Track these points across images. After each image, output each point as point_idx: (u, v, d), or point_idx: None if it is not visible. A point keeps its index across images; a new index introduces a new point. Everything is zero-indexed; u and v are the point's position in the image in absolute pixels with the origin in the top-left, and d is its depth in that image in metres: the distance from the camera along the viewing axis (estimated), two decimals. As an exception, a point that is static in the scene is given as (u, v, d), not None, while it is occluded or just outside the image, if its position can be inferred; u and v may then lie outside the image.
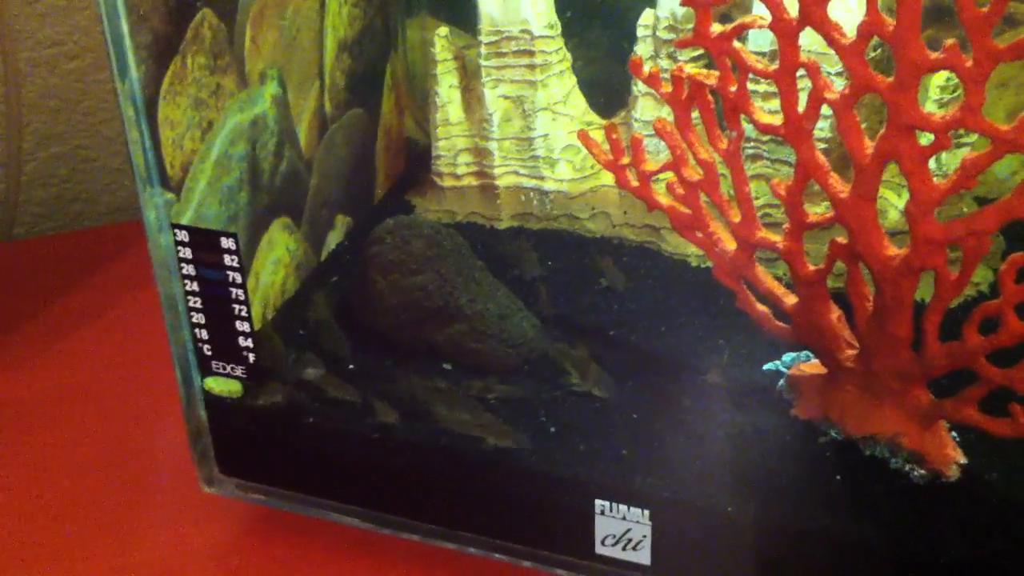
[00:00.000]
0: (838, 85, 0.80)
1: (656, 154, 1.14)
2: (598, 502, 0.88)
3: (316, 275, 1.18)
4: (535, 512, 0.92)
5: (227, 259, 0.89)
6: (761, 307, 0.93)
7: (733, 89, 0.85)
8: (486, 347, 1.01)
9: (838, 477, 0.88)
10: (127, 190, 1.73)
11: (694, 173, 0.91)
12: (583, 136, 0.95)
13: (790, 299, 0.91)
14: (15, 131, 1.55)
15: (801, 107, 0.82)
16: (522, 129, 1.26)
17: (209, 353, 0.95)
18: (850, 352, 0.90)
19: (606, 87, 1.28)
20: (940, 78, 1.08)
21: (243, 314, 0.92)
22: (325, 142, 1.20)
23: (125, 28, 0.83)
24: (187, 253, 0.89)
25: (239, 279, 0.90)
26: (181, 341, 0.95)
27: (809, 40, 0.83)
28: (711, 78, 0.86)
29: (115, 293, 1.46)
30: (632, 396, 0.97)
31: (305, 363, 1.00)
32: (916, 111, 0.76)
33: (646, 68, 0.89)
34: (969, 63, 0.72)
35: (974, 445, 0.90)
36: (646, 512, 0.87)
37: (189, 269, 0.90)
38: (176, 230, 0.89)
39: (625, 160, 0.94)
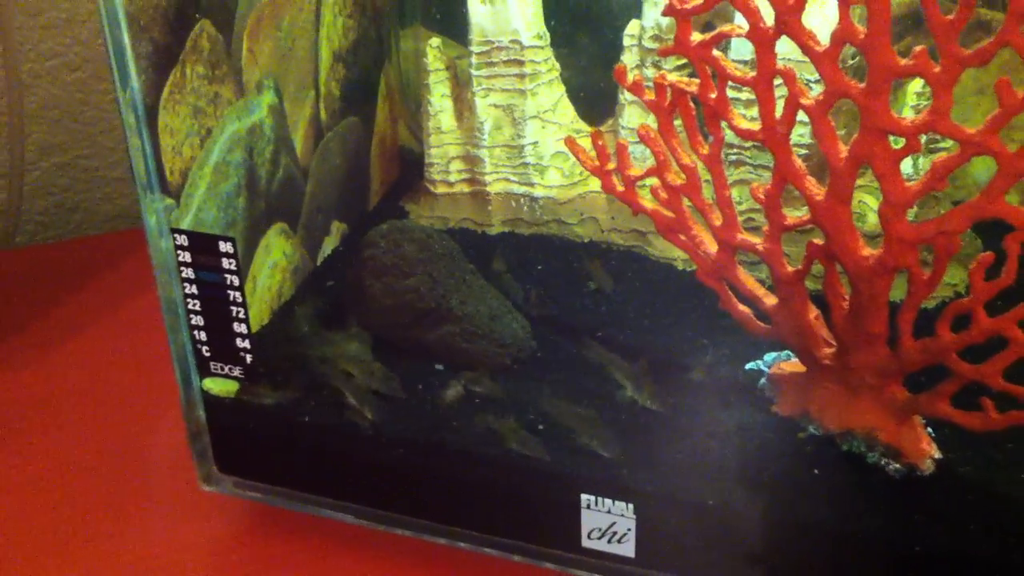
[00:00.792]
0: (815, 92, 0.82)
1: (643, 161, 1.16)
2: (584, 497, 0.90)
3: (312, 279, 1.19)
4: (524, 507, 0.94)
5: (225, 262, 0.90)
6: (743, 308, 0.94)
7: (713, 96, 0.87)
8: (477, 347, 1.02)
9: (816, 471, 0.89)
10: (126, 199, 1.75)
11: (677, 178, 0.93)
12: (570, 142, 0.97)
13: (770, 299, 0.92)
14: (17, 141, 1.57)
15: (779, 113, 0.84)
16: (512, 137, 1.28)
17: (208, 354, 0.97)
18: (828, 350, 0.91)
19: (594, 96, 1.30)
20: (917, 85, 1.10)
21: (241, 316, 0.94)
22: (320, 150, 1.22)
23: (126, 38, 0.85)
24: (186, 257, 0.91)
25: (237, 282, 0.91)
26: (180, 343, 0.97)
27: (788, 48, 0.85)
28: (692, 85, 0.88)
29: (114, 299, 1.48)
30: (618, 395, 0.99)
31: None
32: (888, 115, 0.78)
33: (630, 76, 0.91)
34: (937, 68, 0.74)
35: (949, 440, 0.92)
36: (630, 506, 0.89)
37: (188, 272, 0.92)
38: (176, 234, 0.91)
39: (611, 166, 0.96)
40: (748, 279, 0.93)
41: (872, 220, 1.13)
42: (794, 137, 1.00)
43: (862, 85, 0.78)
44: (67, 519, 1.06)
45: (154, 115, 0.90)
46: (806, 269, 0.88)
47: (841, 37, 0.77)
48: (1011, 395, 0.81)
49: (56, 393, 1.26)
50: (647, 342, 1.06)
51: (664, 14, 0.84)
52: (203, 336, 0.95)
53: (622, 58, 1.21)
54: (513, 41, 1.22)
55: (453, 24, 1.30)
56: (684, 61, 1.17)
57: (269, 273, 1.10)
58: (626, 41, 1.21)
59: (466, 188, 1.32)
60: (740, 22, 0.82)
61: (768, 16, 0.80)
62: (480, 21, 1.22)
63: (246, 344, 0.94)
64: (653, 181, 0.93)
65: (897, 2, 1.02)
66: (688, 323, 1.09)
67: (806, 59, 0.80)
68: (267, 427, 1.00)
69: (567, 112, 1.29)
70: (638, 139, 0.92)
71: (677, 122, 0.90)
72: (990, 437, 0.85)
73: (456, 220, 1.32)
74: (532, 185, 1.29)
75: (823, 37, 0.79)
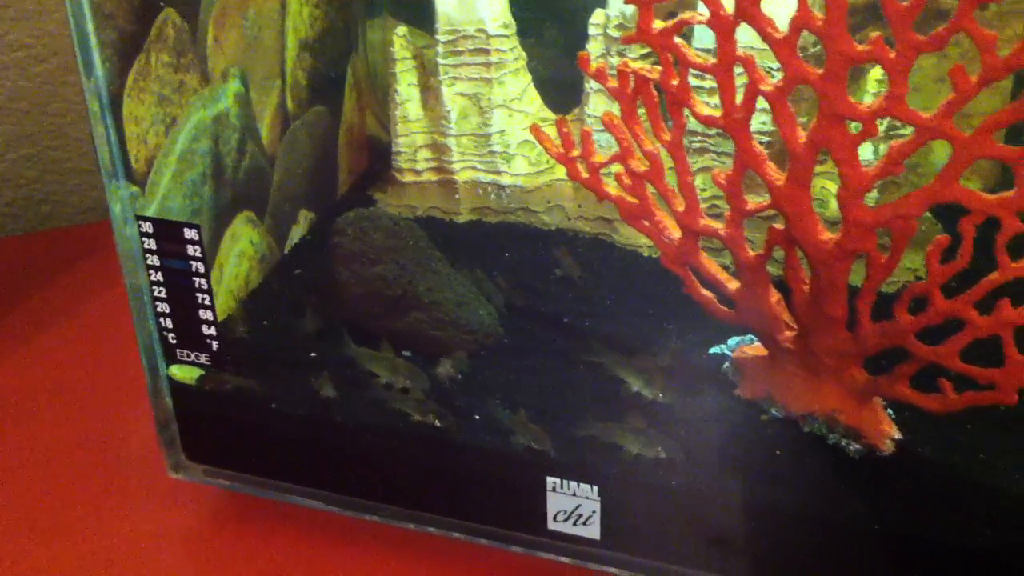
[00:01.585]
0: (776, 79, 0.82)
1: (609, 148, 1.15)
2: (549, 479, 0.90)
3: (280, 267, 1.20)
4: (491, 491, 0.94)
5: (190, 250, 0.90)
6: (706, 292, 0.95)
7: (675, 83, 0.87)
8: (444, 334, 1.03)
9: (778, 452, 0.90)
10: (96, 191, 1.74)
11: (640, 164, 0.94)
12: (535, 130, 0.97)
13: (733, 284, 0.93)
14: (-16, 133, 1.55)
15: (739, 99, 0.85)
16: (479, 125, 1.28)
17: (174, 342, 0.97)
18: (789, 333, 0.92)
19: (561, 84, 1.30)
20: (878, 72, 1.11)
21: (206, 303, 0.94)
22: (287, 139, 1.22)
23: (90, 25, 0.85)
24: (152, 244, 0.91)
25: (202, 269, 0.91)
26: (147, 330, 0.96)
27: (751, 37, 0.85)
28: (654, 73, 0.88)
29: (84, 291, 1.48)
30: (584, 379, 0.99)
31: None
32: (845, 101, 0.79)
33: (594, 64, 0.91)
34: (893, 54, 0.75)
35: (911, 422, 0.93)
36: (595, 488, 0.89)
37: (154, 260, 0.92)
38: (140, 222, 0.91)
39: (575, 153, 0.96)
40: (711, 264, 0.94)
41: (834, 206, 1.13)
42: (758, 125, 1.02)
43: (820, 71, 0.78)
44: (37, 510, 1.05)
45: (118, 103, 0.90)
46: (767, 254, 0.89)
47: (799, 24, 0.77)
48: (968, 376, 0.82)
49: (26, 385, 1.26)
50: (614, 328, 1.07)
51: (627, 1, 0.84)
52: (169, 323, 0.95)
53: (588, 47, 1.21)
54: (479, 30, 1.23)
55: (420, 13, 1.30)
56: (649, 50, 1.16)
57: (236, 261, 1.10)
58: (591, 30, 1.21)
59: (433, 176, 1.32)
60: (703, 10, 0.82)
61: (729, 4, 0.80)
62: (446, 10, 1.23)
63: (212, 331, 0.94)
64: (618, 168, 0.94)
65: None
66: (654, 309, 1.10)
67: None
68: (234, 414, 1.00)
69: (534, 101, 1.29)
70: (603, 127, 0.92)
71: (642, 110, 0.89)
72: (951, 418, 0.87)
73: (424, 208, 1.32)
74: (499, 173, 1.29)
75: (782, 24, 0.79)
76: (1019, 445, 0.90)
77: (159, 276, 0.92)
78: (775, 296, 0.92)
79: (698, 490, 0.87)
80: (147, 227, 0.90)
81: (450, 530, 0.96)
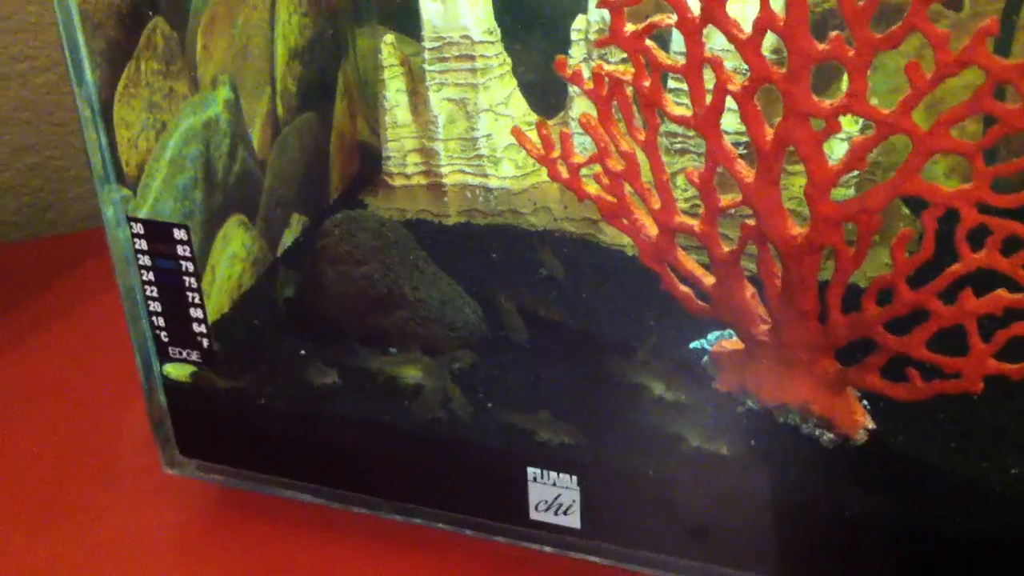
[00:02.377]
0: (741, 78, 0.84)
1: (593, 151, 1.17)
2: (530, 470, 0.91)
3: (272, 270, 1.20)
4: (475, 483, 0.95)
5: (180, 249, 0.92)
6: (684, 288, 0.96)
7: (647, 84, 0.89)
8: (429, 331, 1.03)
9: (753, 443, 0.91)
10: (97, 198, 1.75)
11: (617, 164, 0.95)
12: (516, 133, 0.99)
13: (708, 280, 0.94)
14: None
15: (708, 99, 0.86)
16: (466, 130, 1.30)
17: (166, 340, 0.98)
18: (763, 327, 0.93)
19: (546, 89, 1.31)
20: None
21: (197, 302, 0.95)
22: (278, 144, 1.23)
23: (80, 35, 0.87)
24: (143, 245, 0.93)
25: (192, 269, 0.93)
26: (140, 330, 0.98)
27: (724, 41, 0.87)
28: (627, 75, 0.90)
29: (84, 294, 1.49)
30: (568, 374, 1.00)
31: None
32: (808, 99, 0.81)
33: (570, 68, 0.93)
34: (852, 53, 0.77)
35: (884, 412, 0.94)
36: (575, 478, 0.90)
37: (145, 260, 0.93)
38: (132, 223, 0.92)
39: (555, 154, 0.98)
40: (687, 260, 0.95)
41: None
42: (736, 126, 1.04)
43: (783, 71, 0.80)
44: (33, 508, 1.06)
45: (109, 109, 0.91)
46: (740, 249, 0.89)
47: (762, 25, 0.79)
48: (935, 365, 0.83)
49: (25, 385, 1.27)
50: (598, 325, 1.08)
51: (598, 6, 0.86)
52: (161, 322, 0.96)
53: (570, 51, 1.22)
54: (464, 36, 1.24)
55: (407, 21, 1.31)
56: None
57: (228, 263, 1.11)
58: (574, 35, 1.23)
59: (423, 180, 1.32)
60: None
61: (696, 7, 0.81)
62: (431, 18, 1.24)
63: (203, 330, 0.96)
64: (598, 168, 0.95)
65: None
66: (637, 305, 1.10)
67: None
68: (226, 411, 1.01)
69: (519, 105, 1.31)
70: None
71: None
72: (923, 408, 0.88)
73: (414, 211, 1.33)
74: (487, 176, 1.30)
75: (747, 26, 0.81)
76: (988, 433, 0.92)
77: (150, 276, 0.94)
78: (749, 291, 0.93)
79: (676, 480, 0.89)
80: (138, 228, 0.92)
81: (436, 521, 0.97)
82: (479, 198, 1.31)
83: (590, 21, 1.21)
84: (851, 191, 1.13)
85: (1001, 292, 0.79)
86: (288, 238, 1.27)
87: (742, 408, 0.96)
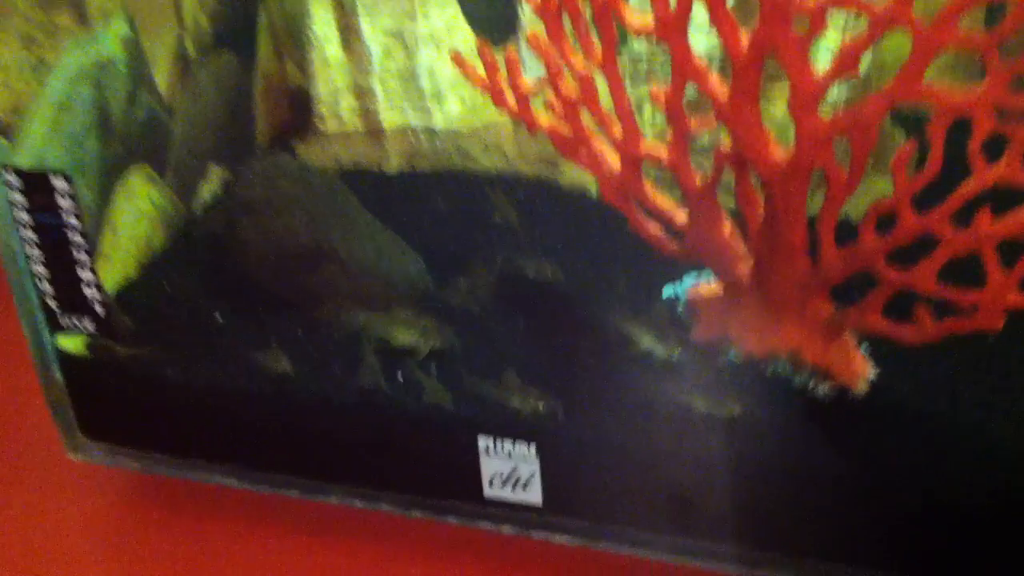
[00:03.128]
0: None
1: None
2: (482, 439, 0.86)
3: (188, 228, 1.14)
4: (420, 457, 0.91)
5: (62, 202, 0.85)
6: (653, 228, 0.90)
7: (600, -10, 0.80)
8: (361, 286, 0.98)
9: (739, 400, 0.87)
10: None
11: (572, 89, 0.87)
12: (456, 58, 0.92)
13: (681, 216, 0.88)
14: None
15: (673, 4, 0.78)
16: (405, 64, 1.22)
17: (56, 308, 0.91)
18: (745, 266, 0.88)
19: (493, 12, 1.21)
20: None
21: (88, 262, 0.89)
22: (190, 88, 1.16)
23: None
24: (18, 198, 0.85)
25: (79, 224, 0.86)
26: (26, 297, 0.92)
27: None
28: (576, -20, 0.81)
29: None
30: (525, 328, 0.96)
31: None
32: (788, -6, 0.72)
33: (513, -23, 0.85)
34: (837, -67, 0.68)
35: (888, 358, 0.88)
36: (532, 447, 0.85)
37: (24, 216, 0.86)
38: (5, 173, 0.84)
39: (502, 79, 0.91)
40: (656, 195, 0.88)
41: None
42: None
43: (759, -39, 0.72)
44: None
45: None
46: (716, 178, 0.82)
47: (731, -96, 0.70)
48: (947, 300, 0.77)
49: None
50: (558, 274, 1.03)
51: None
52: (48, 287, 0.90)
53: (515, -34, 1.14)
54: (397, -43, 1.15)
55: (334, -56, 1.22)
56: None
57: (133, 221, 1.05)
58: (517, -55, 1.14)
59: (359, 124, 1.26)
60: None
61: None
62: (358, -65, 1.15)
63: (96, 294, 0.89)
64: (551, 96, 0.88)
65: None
66: (604, 252, 1.05)
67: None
68: (133, 386, 0.96)
69: (463, 33, 1.22)
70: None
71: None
72: (933, 352, 0.82)
73: (350, 159, 1.25)
74: (430, 116, 1.23)
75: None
76: (1007, 379, 0.86)
77: (32, 234, 0.86)
78: (728, 226, 0.87)
79: (650, 443, 0.85)
80: (12, 178, 0.83)
81: (378, 503, 0.92)
82: (423, 141, 1.25)
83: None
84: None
85: (1024, 210, 0.71)
86: (206, 193, 1.18)
87: (724, 360, 0.90)
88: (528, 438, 0.85)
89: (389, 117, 1.24)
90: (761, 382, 0.87)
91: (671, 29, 0.79)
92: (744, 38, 0.77)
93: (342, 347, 0.95)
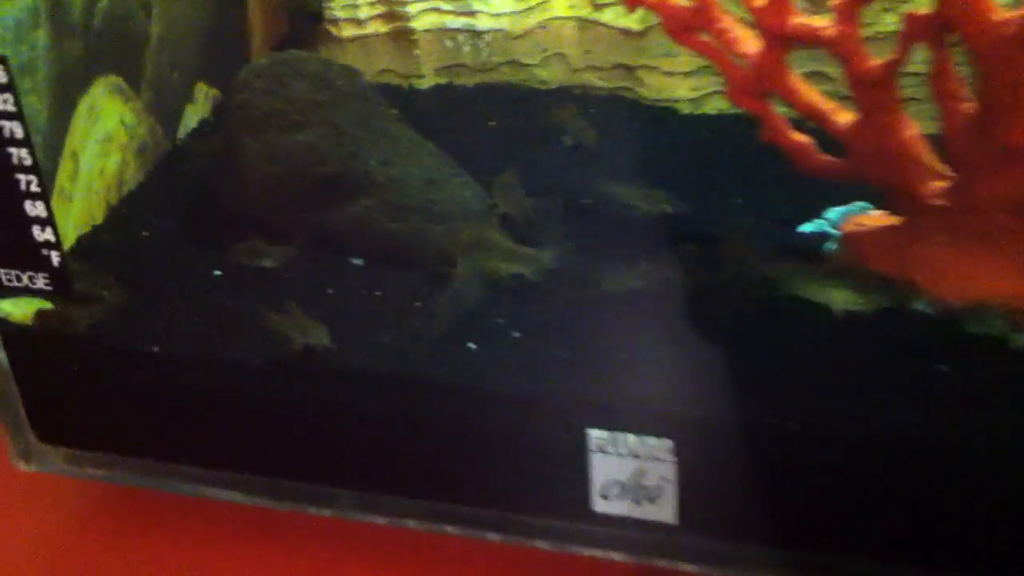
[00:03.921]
0: None
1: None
2: (592, 434, 0.72)
3: (170, 161, 1.06)
4: (497, 459, 0.78)
5: (-3, 98, 0.70)
6: (798, 136, 0.81)
7: None
8: (408, 226, 0.87)
9: (933, 367, 0.73)
10: None
11: (692, -60, 0.80)
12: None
13: (843, 116, 0.79)
14: None
15: None
16: (440, -56, 1.16)
17: (-6, 259, 0.79)
18: (938, 184, 0.77)
19: None
20: None
21: (37, 193, 0.73)
22: None
23: None
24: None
25: (23, 137, 0.70)
26: None
27: None
28: None
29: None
30: (626, 285, 0.84)
31: None
32: None
33: None
34: None
35: None
36: (666, 443, 0.70)
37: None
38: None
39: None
40: (807, 89, 0.80)
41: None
42: None
43: None
44: None
45: None
46: (902, 58, 0.72)
47: None
48: None
49: None
50: (654, 212, 0.93)
51: None
52: None
53: None
54: None
55: None
56: None
57: (99, 149, 0.95)
58: None
59: (382, 27, 1.18)
60: None
61: None
62: None
63: (50, 236, 0.74)
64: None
65: None
66: (706, 181, 0.97)
67: None
68: (102, 369, 0.84)
69: None
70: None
71: None
72: None
73: (372, 73, 1.18)
74: (473, 15, 1.16)
75: None
76: None
77: None
78: (911, 128, 0.77)
79: (823, 435, 0.70)
80: None
81: (440, 524, 0.80)
82: (464, 47, 1.17)
83: None
84: None
85: None
86: (192, 118, 1.10)
87: (908, 314, 0.79)
88: (661, 431, 0.72)
89: (421, 16, 1.18)
90: (963, 343, 0.75)
91: None
92: None
93: (381, 308, 0.84)
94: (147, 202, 1.01)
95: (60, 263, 0.74)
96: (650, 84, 1.11)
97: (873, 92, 0.75)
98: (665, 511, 0.72)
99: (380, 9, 1.18)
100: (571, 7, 1.08)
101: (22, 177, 0.72)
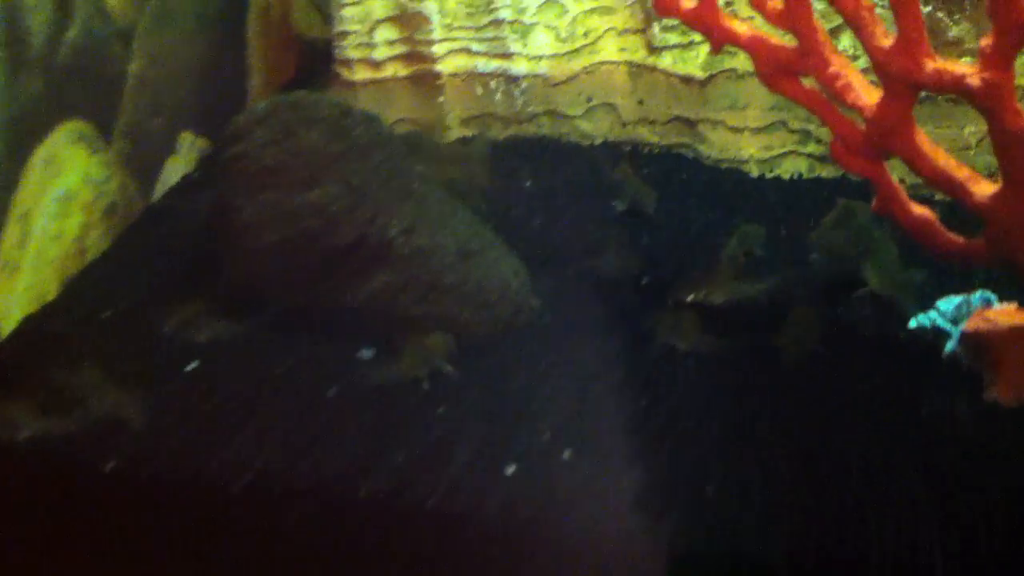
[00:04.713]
0: None
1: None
2: None
3: (144, 224, 0.98)
4: None
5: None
6: (920, 209, 0.74)
7: None
8: (439, 311, 0.80)
9: None
10: None
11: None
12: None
13: (984, 186, 0.70)
14: None
15: None
16: (474, -23, 1.13)
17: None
18: None
19: None
20: None
21: None
22: (155, 11, 0.99)
23: None
24: None
25: None
26: None
27: None
28: None
29: None
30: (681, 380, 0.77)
31: None
32: None
33: None
34: None
35: None
36: None
37: None
38: None
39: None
40: (937, 151, 0.71)
41: None
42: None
43: None
44: None
45: None
46: None
47: None
48: None
49: None
50: (720, 290, 0.88)
51: None
52: None
53: None
54: None
55: None
56: None
57: (56, 209, 0.88)
58: None
59: (402, 69, 1.12)
60: None
61: None
62: None
63: None
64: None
65: None
66: (782, 258, 0.90)
67: None
68: (51, 491, 0.75)
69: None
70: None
71: None
72: None
73: (389, 121, 1.11)
74: (509, 56, 1.10)
75: None
76: None
77: None
78: None
79: None
80: None
81: None
82: (497, 94, 1.11)
83: None
84: None
85: None
86: (173, 172, 1.01)
87: None
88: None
89: (447, 58, 1.11)
90: None
91: None
92: None
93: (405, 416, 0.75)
94: (112, 274, 0.94)
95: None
96: (712, 141, 1.06)
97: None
98: None
99: (400, 49, 1.13)
100: (622, 50, 1.03)
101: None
